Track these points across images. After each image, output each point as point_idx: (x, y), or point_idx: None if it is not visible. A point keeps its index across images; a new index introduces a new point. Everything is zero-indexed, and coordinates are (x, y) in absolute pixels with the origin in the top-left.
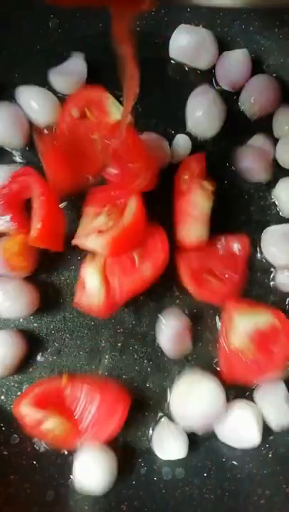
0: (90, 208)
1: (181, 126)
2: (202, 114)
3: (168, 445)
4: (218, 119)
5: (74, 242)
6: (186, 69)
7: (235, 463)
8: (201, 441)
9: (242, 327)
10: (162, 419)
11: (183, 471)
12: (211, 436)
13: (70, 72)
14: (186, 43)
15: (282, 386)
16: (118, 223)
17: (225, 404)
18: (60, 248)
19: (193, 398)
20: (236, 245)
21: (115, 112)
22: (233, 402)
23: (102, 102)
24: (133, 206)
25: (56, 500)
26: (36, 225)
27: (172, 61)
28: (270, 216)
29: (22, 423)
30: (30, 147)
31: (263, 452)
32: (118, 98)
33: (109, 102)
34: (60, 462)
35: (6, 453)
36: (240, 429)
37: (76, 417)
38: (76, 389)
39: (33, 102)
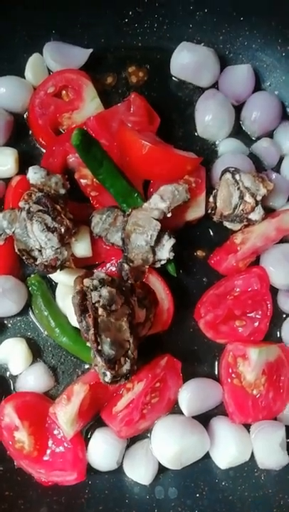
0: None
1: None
2: (212, 117)
3: (138, 467)
4: (228, 122)
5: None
6: (188, 86)
7: (227, 484)
8: (194, 462)
9: (256, 360)
10: (145, 440)
11: (176, 491)
12: (204, 456)
13: (67, 54)
14: (188, 62)
15: (282, 431)
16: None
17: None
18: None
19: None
20: (254, 280)
21: (89, 100)
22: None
23: (80, 86)
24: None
25: None
26: None
27: (174, 78)
28: None
29: None
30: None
31: (256, 475)
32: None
33: (88, 88)
34: None
35: (1, 468)
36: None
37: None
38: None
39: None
